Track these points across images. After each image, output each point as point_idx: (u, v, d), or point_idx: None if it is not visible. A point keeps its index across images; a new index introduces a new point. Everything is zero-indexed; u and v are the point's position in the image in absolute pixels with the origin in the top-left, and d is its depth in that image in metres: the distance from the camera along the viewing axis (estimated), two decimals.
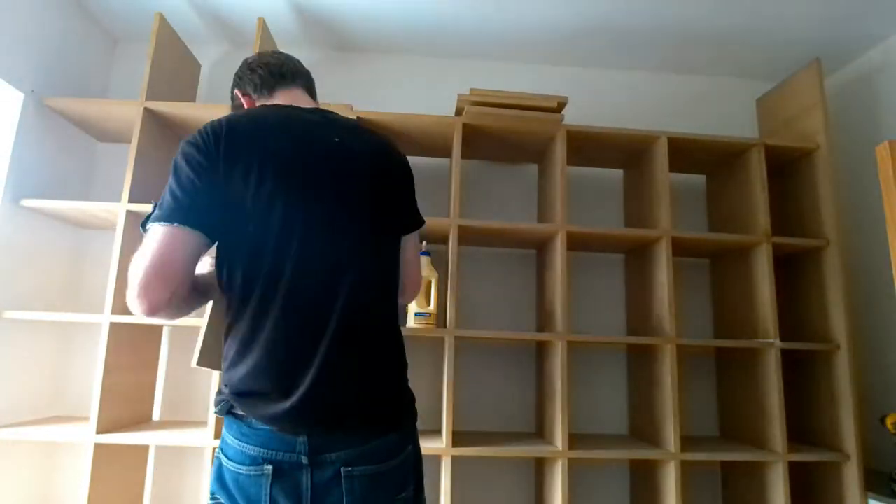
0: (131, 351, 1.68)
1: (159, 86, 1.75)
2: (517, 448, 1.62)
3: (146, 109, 1.69)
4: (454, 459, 1.59)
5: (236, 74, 1.11)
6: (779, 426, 1.62)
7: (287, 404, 0.82)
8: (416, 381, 1.92)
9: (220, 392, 0.89)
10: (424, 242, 1.70)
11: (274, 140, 0.88)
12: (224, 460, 0.86)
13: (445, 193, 2.05)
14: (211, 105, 1.74)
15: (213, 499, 0.87)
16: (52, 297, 1.81)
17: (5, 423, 1.59)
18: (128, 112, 1.73)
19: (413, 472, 0.96)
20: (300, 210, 0.86)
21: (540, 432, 1.83)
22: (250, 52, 2.11)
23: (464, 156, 2.01)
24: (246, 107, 1.08)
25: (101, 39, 2.03)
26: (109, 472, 1.58)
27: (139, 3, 1.89)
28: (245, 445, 0.83)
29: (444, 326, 1.65)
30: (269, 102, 1.05)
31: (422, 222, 1.13)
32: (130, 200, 1.62)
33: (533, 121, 1.74)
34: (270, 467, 0.81)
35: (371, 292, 0.92)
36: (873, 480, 1.64)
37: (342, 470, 0.82)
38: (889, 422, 1.59)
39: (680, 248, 1.85)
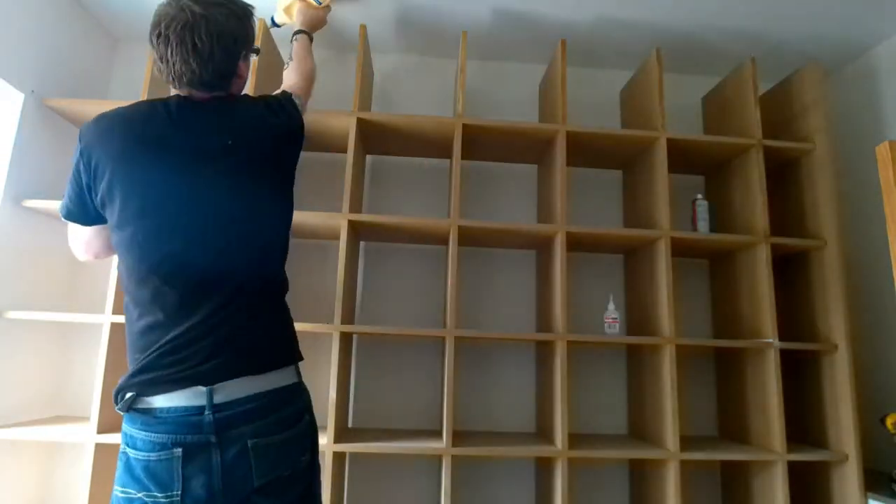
0: None
1: (159, 86, 1.75)
2: (517, 448, 1.62)
3: None
4: (454, 459, 1.59)
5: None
6: (778, 426, 1.62)
7: None
8: (417, 381, 1.94)
9: None
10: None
11: None
12: None
13: (445, 193, 2.05)
14: None
15: None
16: (52, 297, 1.81)
17: (5, 423, 1.59)
18: None
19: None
20: None
21: (540, 432, 1.83)
22: None
23: (464, 156, 2.01)
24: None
25: (101, 39, 2.03)
26: (110, 472, 1.58)
27: (139, 3, 1.89)
28: None
29: (444, 326, 1.66)
30: None
31: None
32: None
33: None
34: None
35: None
36: (873, 480, 1.64)
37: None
38: (889, 422, 1.59)
39: (679, 249, 1.86)
